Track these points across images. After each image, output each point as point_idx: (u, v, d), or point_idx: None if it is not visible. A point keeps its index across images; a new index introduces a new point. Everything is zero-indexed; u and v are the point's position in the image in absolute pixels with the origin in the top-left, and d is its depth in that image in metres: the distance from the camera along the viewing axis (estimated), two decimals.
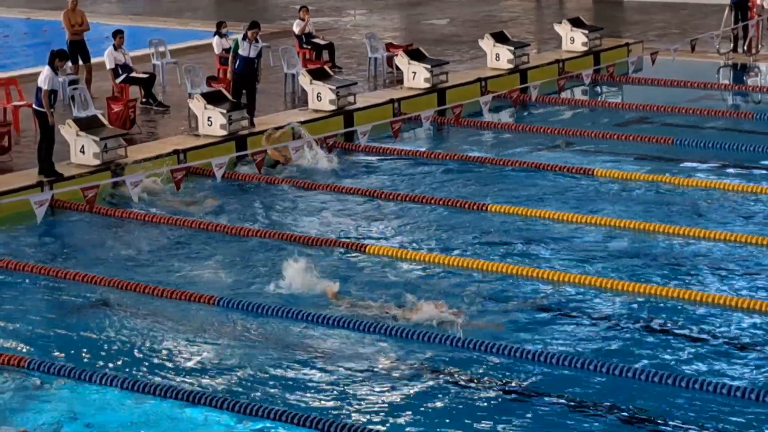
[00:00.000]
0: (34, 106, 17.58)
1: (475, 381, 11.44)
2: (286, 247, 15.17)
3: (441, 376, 11.57)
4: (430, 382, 11.45)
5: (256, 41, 20.28)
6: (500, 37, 23.96)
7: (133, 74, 21.69)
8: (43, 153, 17.30)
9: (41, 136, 17.38)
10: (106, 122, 18.73)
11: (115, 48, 21.51)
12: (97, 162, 17.65)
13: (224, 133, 19.14)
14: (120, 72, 21.47)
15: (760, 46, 25.65)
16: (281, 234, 15.61)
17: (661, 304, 13.11)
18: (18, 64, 24.25)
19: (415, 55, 22.58)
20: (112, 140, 17.88)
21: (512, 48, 23.65)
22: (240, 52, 20.12)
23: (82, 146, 17.74)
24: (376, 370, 11.74)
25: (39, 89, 17.32)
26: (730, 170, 18.09)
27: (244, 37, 20.14)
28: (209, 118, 19.22)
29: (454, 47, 26.71)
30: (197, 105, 19.42)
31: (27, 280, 14.44)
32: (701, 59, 24.68)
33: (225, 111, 19.17)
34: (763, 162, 18.42)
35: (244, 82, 20.21)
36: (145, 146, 18.96)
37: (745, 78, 24.99)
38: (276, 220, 16.49)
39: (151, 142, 19.26)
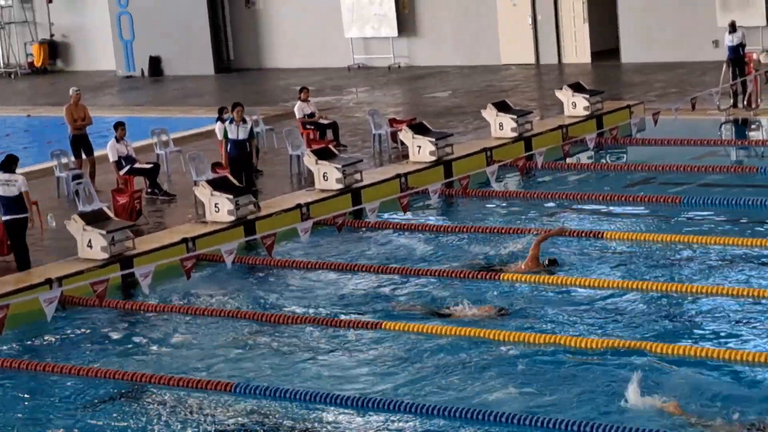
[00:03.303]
0: (5, 218, 17.71)
1: None
2: (305, 329, 15.09)
3: None
4: None
5: (244, 122, 20.43)
6: (502, 106, 23.99)
7: (137, 165, 21.72)
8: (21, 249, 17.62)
9: (20, 240, 17.60)
10: (112, 215, 18.70)
11: (118, 140, 21.57)
12: (105, 255, 17.60)
13: (232, 218, 19.11)
14: (123, 164, 21.50)
15: (759, 100, 25.65)
16: (295, 317, 15.51)
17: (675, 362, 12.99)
18: (20, 163, 24.21)
19: (419, 128, 22.61)
20: (119, 233, 17.83)
21: (515, 116, 23.68)
22: (229, 135, 20.29)
23: (89, 240, 17.69)
24: None
25: (10, 198, 17.52)
26: (740, 225, 18.00)
27: (231, 120, 20.33)
28: (216, 204, 19.20)
29: (457, 119, 26.77)
30: (203, 192, 19.40)
31: (41, 379, 14.32)
32: (702, 117, 24.68)
33: (231, 197, 19.15)
34: None
35: (239, 165, 20.30)
36: (153, 236, 18.91)
37: (747, 133, 24.98)
38: (291, 302, 16.36)
39: (159, 232, 19.22)
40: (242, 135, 20.44)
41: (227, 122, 20.72)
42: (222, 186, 19.46)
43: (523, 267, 16.25)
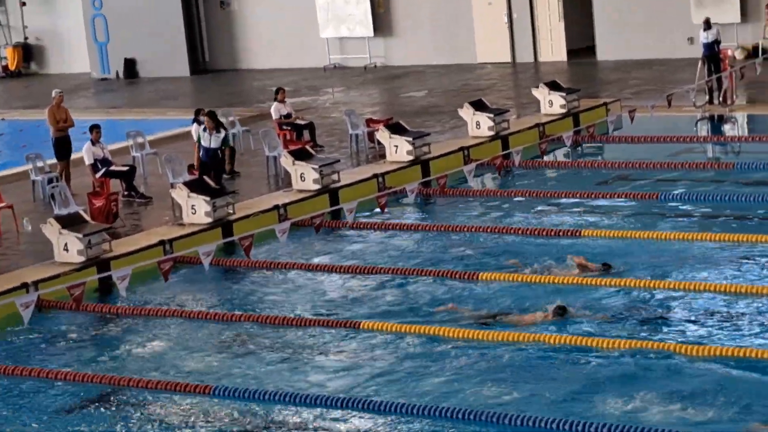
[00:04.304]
0: None
1: None
2: (283, 330, 15.03)
3: None
4: None
5: (217, 131, 20.51)
6: (479, 105, 23.97)
7: (113, 168, 21.62)
8: None
9: None
10: (88, 218, 18.59)
11: (93, 143, 21.47)
12: (82, 259, 17.49)
13: (209, 220, 19.03)
14: (99, 166, 21.40)
15: (735, 96, 25.74)
16: (273, 318, 15.45)
17: (664, 358, 12.99)
18: None
19: (396, 128, 22.57)
20: (95, 236, 17.72)
21: (492, 115, 23.66)
22: (202, 143, 20.47)
23: (66, 244, 17.57)
24: None
25: None
26: (717, 221, 18.03)
27: (205, 128, 20.46)
28: (193, 206, 19.11)
29: (434, 118, 26.74)
30: (180, 194, 19.32)
31: (18, 383, 14.21)
32: (679, 114, 24.71)
33: (209, 198, 19.07)
34: (748, 211, 18.36)
35: (208, 170, 20.51)
36: (130, 239, 18.81)
37: (723, 129, 25.05)
38: (269, 303, 16.31)
39: (136, 235, 19.11)
40: (214, 144, 20.59)
41: (201, 129, 20.79)
42: (199, 188, 19.38)
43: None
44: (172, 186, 20.36)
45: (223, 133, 20.82)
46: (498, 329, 14.27)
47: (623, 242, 17.25)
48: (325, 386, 13.29)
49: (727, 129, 24.99)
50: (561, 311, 14.40)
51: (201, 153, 20.59)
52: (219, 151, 20.75)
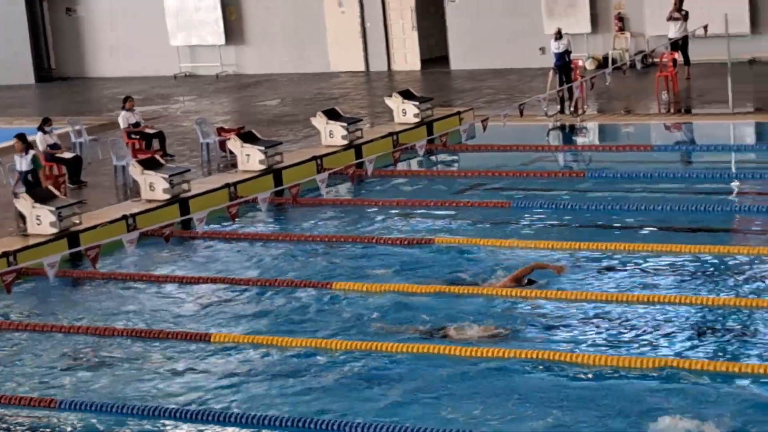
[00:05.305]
0: None
1: None
2: (132, 342, 14.69)
3: None
4: None
5: (25, 152, 20.03)
6: (332, 114, 23.86)
7: None
8: None
9: None
10: None
11: None
12: None
13: (55, 230, 18.51)
14: None
15: (585, 106, 26.11)
16: (119, 330, 15.09)
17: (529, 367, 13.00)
18: None
19: (248, 137, 22.31)
20: None
21: (345, 124, 23.57)
22: (15, 167, 20.05)
23: None
24: None
25: None
26: (567, 229, 18.17)
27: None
28: (38, 216, 18.57)
29: (287, 127, 26.54)
30: (24, 204, 18.76)
31: None
32: (531, 123, 24.93)
33: (54, 208, 18.56)
34: (599, 219, 18.56)
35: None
36: None
37: (574, 138, 25.37)
38: (117, 315, 15.91)
39: None
40: (25, 167, 20.12)
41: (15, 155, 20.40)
42: (44, 197, 18.85)
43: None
44: (16, 196, 19.78)
45: (30, 153, 20.30)
46: (364, 339, 14.13)
47: (476, 249, 17.27)
48: (173, 398, 13.00)
49: (578, 138, 25.31)
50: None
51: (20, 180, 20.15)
52: (30, 174, 20.18)
